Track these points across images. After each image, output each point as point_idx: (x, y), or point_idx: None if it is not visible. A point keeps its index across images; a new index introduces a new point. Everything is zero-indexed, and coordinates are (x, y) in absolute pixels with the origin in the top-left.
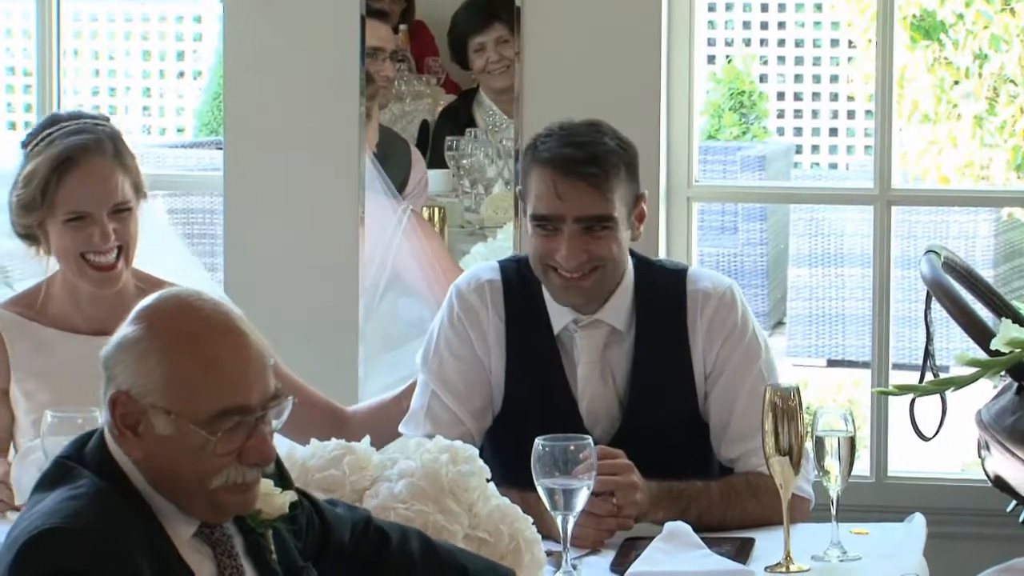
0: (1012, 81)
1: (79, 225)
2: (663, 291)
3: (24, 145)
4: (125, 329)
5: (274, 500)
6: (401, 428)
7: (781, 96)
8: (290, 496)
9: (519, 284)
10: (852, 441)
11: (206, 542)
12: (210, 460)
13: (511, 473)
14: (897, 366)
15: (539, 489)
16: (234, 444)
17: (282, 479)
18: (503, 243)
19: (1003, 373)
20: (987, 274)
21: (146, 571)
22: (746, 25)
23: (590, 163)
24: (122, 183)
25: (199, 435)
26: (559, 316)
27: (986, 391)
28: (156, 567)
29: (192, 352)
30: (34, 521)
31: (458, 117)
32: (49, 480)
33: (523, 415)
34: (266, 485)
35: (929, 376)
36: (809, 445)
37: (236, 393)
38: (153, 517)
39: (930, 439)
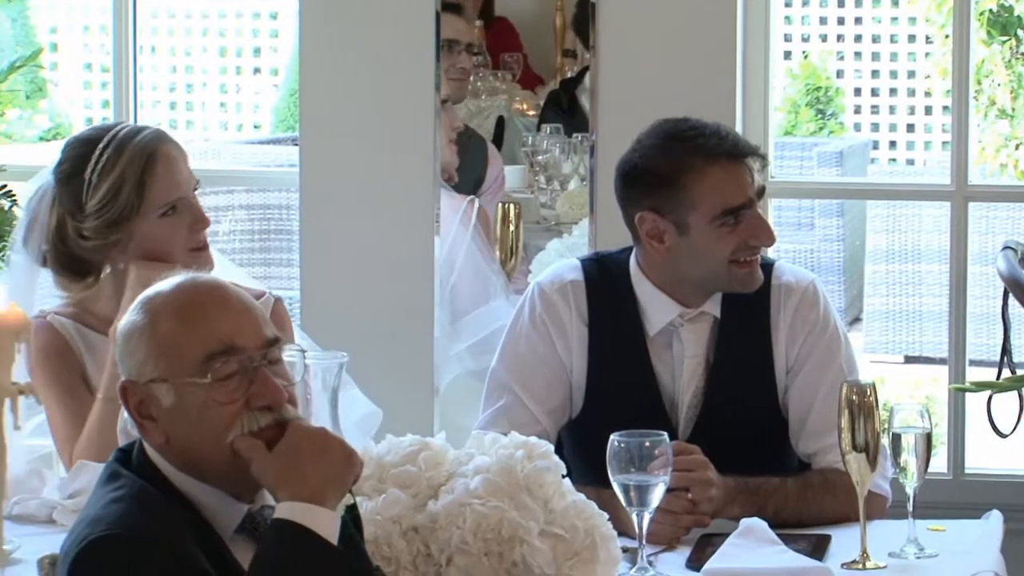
0: None
1: (174, 217)
2: None
3: (71, 175)
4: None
5: None
6: (476, 428)
7: (858, 92)
8: (346, 499)
9: (602, 284)
10: (929, 438)
11: (251, 538)
12: (215, 412)
13: (594, 471)
14: (974, 362)
15: (614, 485)
16: (234, 390)
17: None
18: (578, 239)
19: None
20: None
21: (202, 562)
22: (823, 21)
23: (749, 143)
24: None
25: (195, 386)
26: (662, 313)
27: None
28: (208, 560)
29: (173, 315)
30: (82, 530)
31: (560, 103)
32: (100, 481)
33: (608, 415)
34: None
35: (1006, 373)
36: (886, 441)
37: (220, 336)
38: (196, 513)
39: (1007, 436)
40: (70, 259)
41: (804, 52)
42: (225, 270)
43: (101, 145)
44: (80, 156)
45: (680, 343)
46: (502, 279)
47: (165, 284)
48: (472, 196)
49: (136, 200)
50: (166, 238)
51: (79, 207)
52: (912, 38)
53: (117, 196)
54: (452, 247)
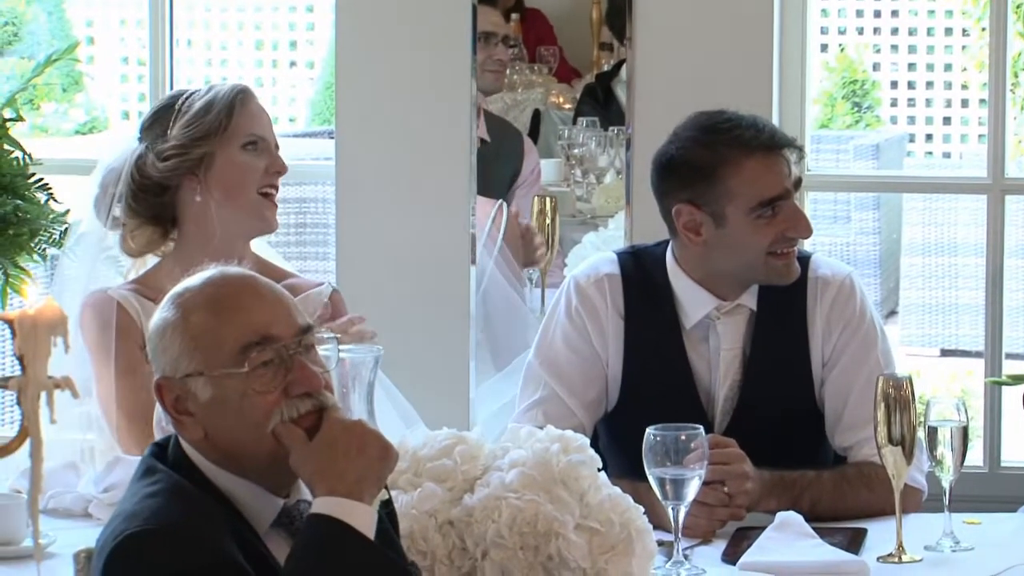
0: None
1: (255, 153)
2: None
3: (162, 110)
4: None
5: None
6: (512, 421)
7: (894, 85)
8: (381, 495)
9: (637, 277)
10: (965, 431)
11: (287, 532)
12: (254, 401)
13: (630, 465)
14: (1011, 356)
15: (650, 479)
16: (271, 379)
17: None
18: (614, 232)
19: None
20: None
21: (238, 556)
22: (859, 13)
23: (785, 135)
24: None
25: (232, 377)
26: (697, 306)
27: None
28: (244, 555)
29: (205, 308)
30: (118, 525)
31: (596, 96)
32: (135, 476)
33: (644, 408)
34: None
35: None
36: (922, 435)
37: (255, 326)
38: (232, 508)
39: None
40: (144, 191)
41: (840, 45)
42: (278, 263)
43: (193, 88)
44: (173, 95)
45: (716, 336)
46: (536, 275)
47: (194, 279)
48: (501, 200)
49: (225, 120)
50: (243, 170)
51: (164, 134)
52: (949, 31)
53: (207, 114)
54: (480, 259)
